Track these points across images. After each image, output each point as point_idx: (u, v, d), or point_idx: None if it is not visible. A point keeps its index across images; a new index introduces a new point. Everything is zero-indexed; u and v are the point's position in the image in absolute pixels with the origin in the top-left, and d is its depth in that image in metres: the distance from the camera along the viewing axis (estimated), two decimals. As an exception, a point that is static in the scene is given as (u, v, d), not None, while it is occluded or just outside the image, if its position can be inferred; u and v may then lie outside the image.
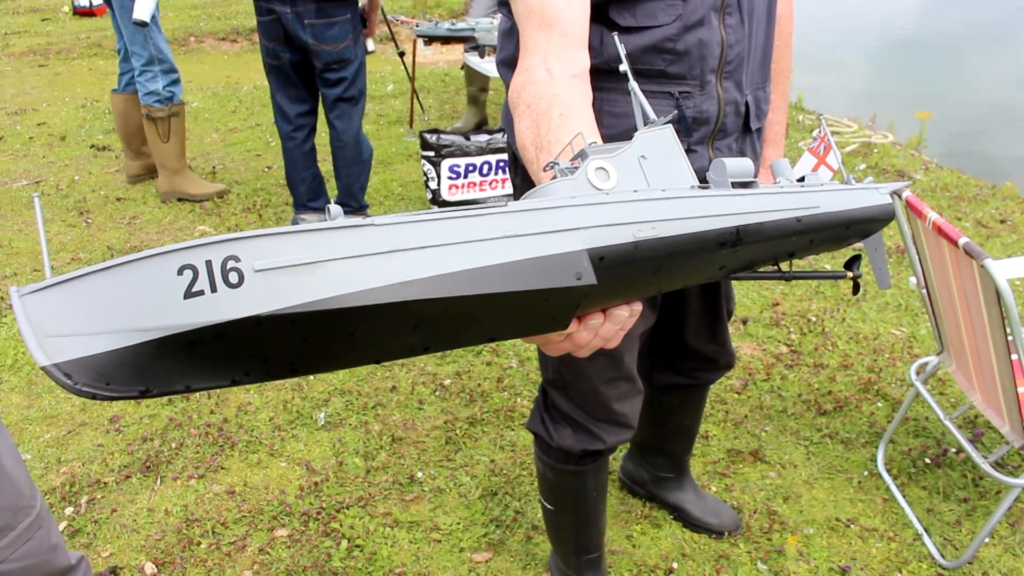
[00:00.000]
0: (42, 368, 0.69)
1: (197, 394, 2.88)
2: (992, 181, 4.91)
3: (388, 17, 5.84)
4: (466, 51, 5.34)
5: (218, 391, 2.89)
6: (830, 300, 3.46)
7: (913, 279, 2.41)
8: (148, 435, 2.69)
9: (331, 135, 3.80)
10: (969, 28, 10.68)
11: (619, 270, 0.85)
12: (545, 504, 1.91)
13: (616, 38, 1.14)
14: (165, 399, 2.85)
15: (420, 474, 2.51)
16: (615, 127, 1.39)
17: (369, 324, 0.76)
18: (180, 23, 9.26)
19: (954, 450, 2.60)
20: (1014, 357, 2.01)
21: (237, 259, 0.70)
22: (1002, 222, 4.26)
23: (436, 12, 9.60)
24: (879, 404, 2.82)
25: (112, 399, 0.71)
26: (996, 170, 5.55)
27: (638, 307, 0.94)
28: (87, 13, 9.81)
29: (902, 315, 3.37)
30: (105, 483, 2.49)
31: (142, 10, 3.88)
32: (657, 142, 0.96)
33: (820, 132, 1.40)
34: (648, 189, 0.93)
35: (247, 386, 2.89)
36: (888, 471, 2.52)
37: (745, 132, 1.52)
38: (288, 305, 0.71)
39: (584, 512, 1.89)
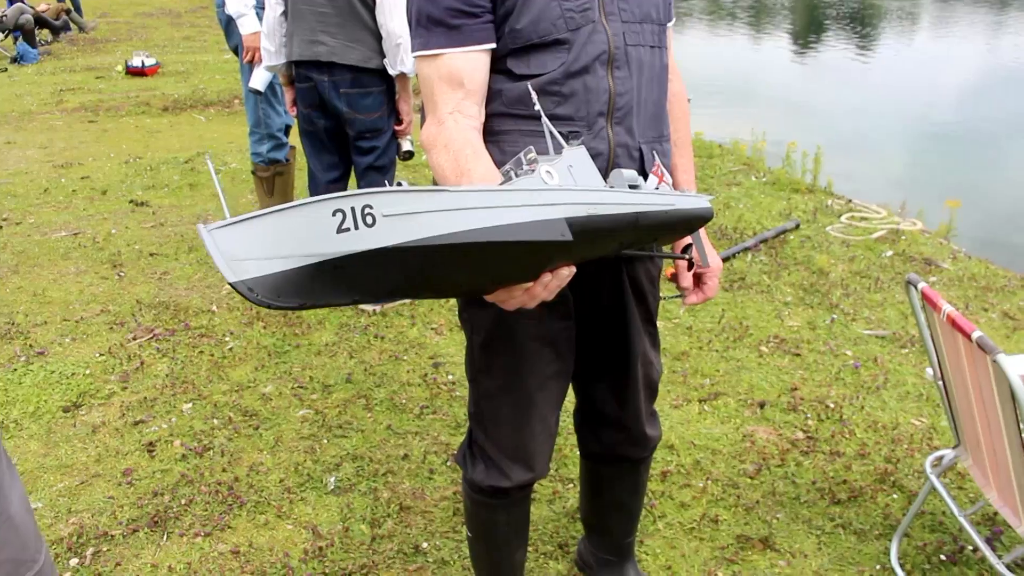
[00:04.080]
0: (231, 284, 0.94)
1: (210, 452, 2.90)
2: (1021, 271, 4.86)
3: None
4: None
5: (231, 450, 2.90)
6: (850, 387, 3.43)
7: (929, 370, 2.39)
8: (159, 490, 2.70)
9: (360, 202, 3.87)
10: (1008, 117, 10.68)
11: (576, 234, 1.19)
12: (467, 531, 2.05)
13: (530, 88, 1.48)
14: (178, 455, 2.87)
15: (425, 544, 2.49)
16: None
17: (446, 257, 1.07)
18: (226, 85, 9.55)
19: (971, 548, 2.54)
20: (1030, 454, 1.98)
21: (371, 207, 1.00)
22: (1030, 315, 4.21)
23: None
24: (895, 496, 2.77)
25: (280, 308, 0.98)
26: (1026, 261, 5.50)
27: (573, 268, 1.31)
28: (139, 73, 10.17)
29: (923, 405, 3.32)
30: (112, 536, 2.50)
31: (257, 81, 4.29)
32: (578, 156, 1.34)
33: (655, 162, 1.68)
34: (587, 186, 1.30)
35: (260, 447, 2.91)
36: (902, 566, 2.46)
37: (646, 180, 1.65)
38: (404, 240, 1.02)
39: (496, 545, 2.02)
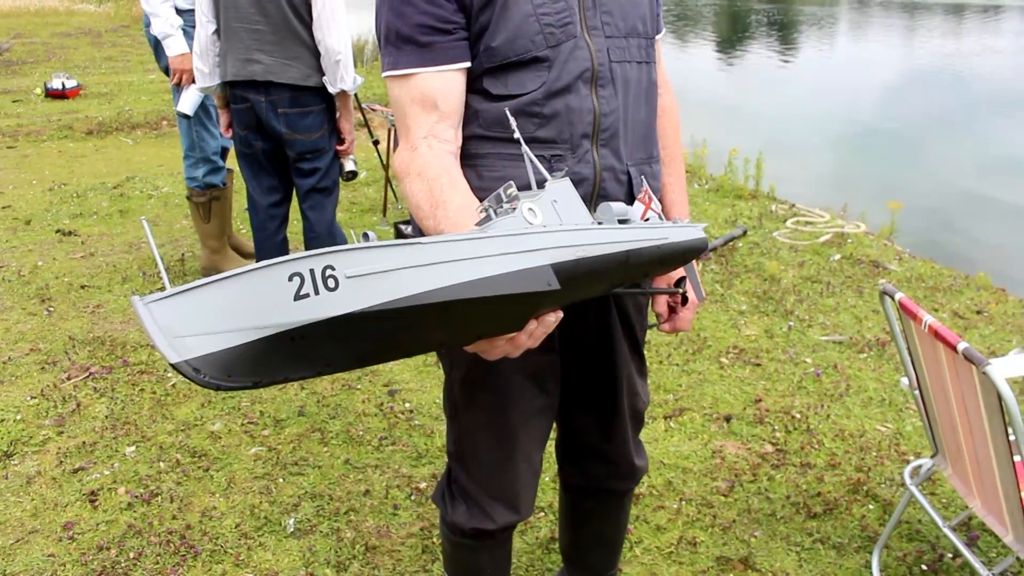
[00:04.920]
0: (172, 365, 0.82)
1: (158, 499, 2.72)
2: (963, 269, 4.94)
3: (363, 105, 5.85)
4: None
5: (181, 494, 2.73)
6: (813, 396, 3.40)
7: (904, 380, 2.35)
8: (104, 543, 2.52)
9: (304, 226, 3.72)
10: (927, 118, 10.98)
11: (563, 280, 1.10)
12: (445, 574, 1.94)
13: (508, 114, 1.35)
14: (124, 504, 2.69)
15: (395, 587, 2.37)
16: (492, 189, 1.49)
17: (421, 318, 0.96)
18: (153, 107, 9.25)
19: (950, 555, 2.51)
20: (1016, 459, 1.94)
21: (333, 268, 0.89)
22: (978, 313, 4.26)
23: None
24: (870, 506, 2.74)
25: (232, 389, 0.87)
26: (965, 258, 5.60)
27: (560, 313, 1.21)
28: (59, 95, 9.77)
29: (886, 410, 3.31)
30: (55, 599, 2.31)
31: (185, 104, 4.14)
32: (562, 190, 1.23)
33: (643, 187, 1.56)
34: (573, 225, 1.19)
35: (212, 490, 2.74)
36: (884, 579, 2.42)
37: (632, 204, 1.57)
38: (372, 303, 0.91)
39: None
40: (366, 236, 0.95)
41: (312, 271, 0.88)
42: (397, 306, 0.92)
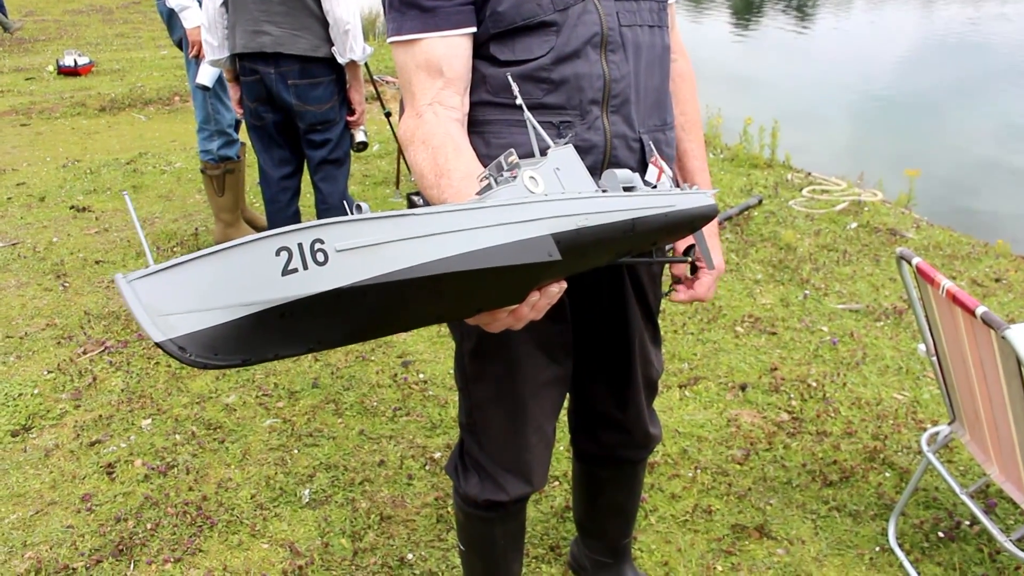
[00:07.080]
0: (157, 344, 0.79)
1: (174, 471, 2.73)
2: (981, 238, 4.88)
3: (375, 77, 5.82)
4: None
5: (197, 466, 2.75)
6: (829, 364, 3.38)
7: (922, 346, 2.33)
8: (122, 515, 2.54)
9: (316, 198, 3.71)
10: (944, 85, 10.81)
11: (565, 251, 1.07)
12: (459, 545, 1.94)
13: (511, 80, 1.31)
14: (140, 475, 2.71)
15: (410, 556, 2.37)
16: (499, 156, 1.44)
17: (415, 292, 0.92)
18: (165, 82, 9.24)
19: (968, 522, 2.49)
20: (1034, 428, 1.92)
21: (322, 241, 0.85)
22: (997, 280, 4.21)
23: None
24: (886, 474, 2.72)
25: (218, 367, 0.84)
26: (984, 227, 5.53)
27: (563, 284, 1.17)
28: (72, 72, 9.77)
29: (903, 378, 3.28)
30: (74, 569, 2.33)
31: (204, 76, 4.09)
32: (565, 157, 1.19)
33: (653, 155, 1.53)
34: (576, 193, 1.15)
35: (228, 462, 2.76)
36: (900, 546, 2.41)
37: (645, 172, 1.53)
38: (363, 278, 0.87)
39: (492, 558, 1.90)
40: (359, 208, 0.92)
41: (300, 245, 0.84)
42: (389, 280, 0.89)
